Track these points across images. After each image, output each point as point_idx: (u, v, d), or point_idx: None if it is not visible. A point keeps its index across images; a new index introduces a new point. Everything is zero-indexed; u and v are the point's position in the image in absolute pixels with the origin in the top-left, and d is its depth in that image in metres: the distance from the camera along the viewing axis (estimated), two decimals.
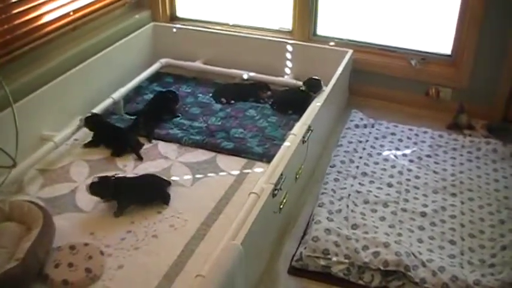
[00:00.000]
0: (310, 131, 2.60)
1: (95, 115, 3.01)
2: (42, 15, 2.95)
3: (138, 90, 3.53)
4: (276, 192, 2.19)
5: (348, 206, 2.58)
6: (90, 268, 2.19)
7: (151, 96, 3.46)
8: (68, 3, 3.13)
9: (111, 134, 3.00)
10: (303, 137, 2.54)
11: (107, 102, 3.18)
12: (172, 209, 2.55)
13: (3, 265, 2.08)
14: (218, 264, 1.81)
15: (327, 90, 2.89)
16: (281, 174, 2.25)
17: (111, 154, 2.93)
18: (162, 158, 2.92)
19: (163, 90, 3.49)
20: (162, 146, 3.02)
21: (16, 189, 2.68)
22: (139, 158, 2.90)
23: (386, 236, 2.38)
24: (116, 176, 2.60)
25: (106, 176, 2.57)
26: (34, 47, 2.94)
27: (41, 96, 2.92)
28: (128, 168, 2.84)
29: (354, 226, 2.46)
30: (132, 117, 3.20)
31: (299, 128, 2.69)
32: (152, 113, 3.24)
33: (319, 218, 2.45)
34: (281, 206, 2.35)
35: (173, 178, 2.76)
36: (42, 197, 2.62)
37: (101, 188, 2.51)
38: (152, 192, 2.60)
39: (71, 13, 3.14)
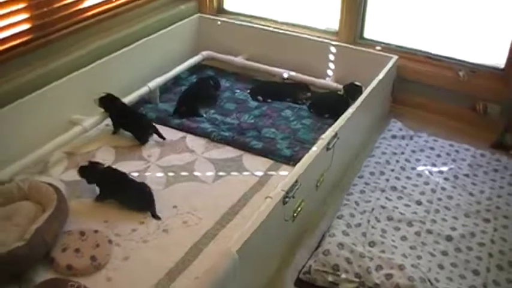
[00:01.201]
0: (336, 138, 2.48)
1: (108, 95, 2.95)
2: (83, 0, 2.97)
3: (176, 80, 3.51)
4: (287, 199, 2.10)
5: (369, 221, 2.45)
6: (96, 256, 2.19)
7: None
8: None
9: (126, 116, 2.98)
10: (327, 144, 2.43)
11: (143, 90, 3.18)
12: (189, 205, 2.51)
13: (12, 243, 2.11)
14: (209, 271, 1.74)
15: (362, 97, 2.76)
16: (296, 181, 2.15)
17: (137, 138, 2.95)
18: (188, 152, 2.88)
19: (205, 76, 3.49)
20: (190, 140, 2.98)
21: (41, 169, 2.71)
22: (162, 138, 2.96)
23: (404, 258, 2.24)
24: (107, 166, 2.60)
25: (97, 163, 2.59)
26: (73, 31, 2.98)
27: (76, 80, 2.95)
28: (152, 158, 2.82)
29: (371, 243, 2.33)
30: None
31: (328, 133, 2.58)
32: (192, 98, 3.25)
33: (334, 231, 2.34)
34: (295, 214, 2.26)
35: (195, 173, 2.72)
36: (65, 180, 2.65)
37: (88, 173, 2.54)
38: (133, 198, 2.51)
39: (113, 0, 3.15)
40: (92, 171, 2.54)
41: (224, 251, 1.81)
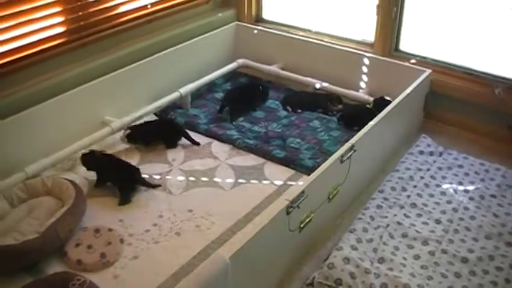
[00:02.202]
0: (352, 151, 2.45)
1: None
2: (118, 6, 3.08)
3: (210, 87, 3.56)
4: (290, 209, 2.09)
5: (381, 236, 2.40)
6: (106, 253, 2.26)
7: (222, 94, 3.49)
8: None
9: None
10: (342, 156, 2.40)
11: (174, 95, 3.25)
12: (204, 210, 2.54)
13: (29, 235, 2.21)
14: (196, 273, 1.76)
15: (385, 110, 2.70)
16: (302, 192, 2.14)
17: (167, 147, 2.99)
18: (211, 158, 2.92)
19: (256, 82, 3.55)
20: (215, 146, 3.01)
21: (69, 166, 2.81)
22: (196, 143, 2.99)
23: (411, 277, 2.18)
24: (103, 153, 2.72)
25: (94, 151, 2.69)
26: (109, 34, 3.08)
27: (110, 82, 3.05)
28: (176, 162, 2.87)
29: (381, 260, 2.27)
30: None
31: (345, 145, 2.54)
32: (239, 100, 3.33)
33: (342, 244, 2.31)
34: (302, 225, 2.24)
35: (215, 179, 2.75)
36: (89, 178, 2.73)
37: (87, 160, 2.67)
38: (123, 181, 2.65)
39: (149, 6, 3.23)
40: (89, 159, 2.66)
41: (214, 255, 1.82)
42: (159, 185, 2.69)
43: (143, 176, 2.69)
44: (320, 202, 2.35)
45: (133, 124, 2.99)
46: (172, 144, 3.00)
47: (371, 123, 2.62)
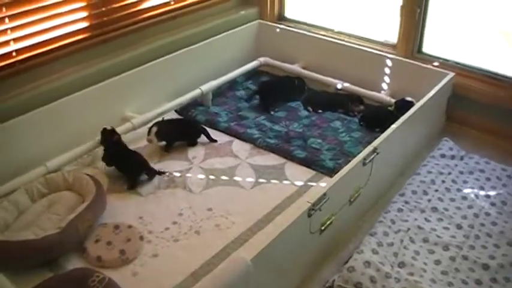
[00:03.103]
0: (375, 153, 2.43)
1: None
2: (141, 2, 3.08)
3: (232, 85, 3.57)
4: (312, 212, 2.08)
5: (402, 240, 2.38)
6: (125, 250, 2.27)
7: (243, 92, 3.49)
8: None
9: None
10: (364, 159, 2.38)
11: (195, 92, 3.25)
12: (224, 209, 2.54)
13: (49, 230, 2.22)
14: (216, 274, 1.76)
15: (408, 113, 2.68)
16: (324, 194, 2.13)
17: (188, 145, 2.99)
18: (231, 156, 2.91)
19: (292, 76, 3.56)
20: (236, 144, 3.01)
21: (90, 161, 2.83)
22: (213, 140, 3.00)
23: (431, 283, 2.16)
24: (119, 139, 2.77)
25: (115, 133, 2.76)
26: (132, 30, 3.09)
27: (132, 78, 3.07)
28: (196, 160, 2.87)
29: (401, 264, 2.26)
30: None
31: (367, 148, 2.52)
32: (275, 92, 3.39)
33: (363, 248, 2.29)
34: (322, 228, 2.23)
35: (235, 178, 2.75)
36: (109, 174, 2.75)
37: (104, 137, 2.75)
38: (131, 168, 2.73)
39: (172, 2, 3.23)
40: (107, 137, 2.74)
41: (235, 257, 1.82)
42: (164, 172, 2.73)
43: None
44: (341, 205, 2.34)
45: (156, 121, 2.97)
46: (193, 142, 3.01)
47: (393, 125, 2.60)
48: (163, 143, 2.95)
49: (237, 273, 1.78)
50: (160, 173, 2.73)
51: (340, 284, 2.15)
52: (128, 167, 2.74)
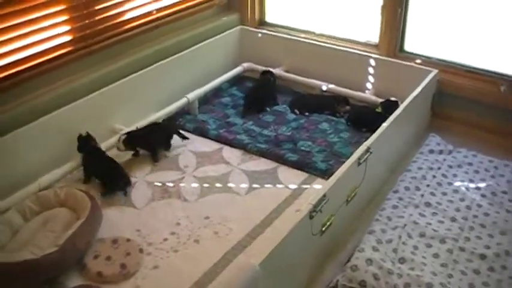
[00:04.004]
0: (368, 153, 2.46)
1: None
2: (124, 13, 3.07)
3: (217, 92, 3.57)
4: (313, 214, 2.10)
5: (400, 237, 2.41)
6: (126, 264, 2.25)
7: (229, 99, 3.51)
8: (152, 2, 3.22)
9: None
10: (359, 159, 2.41)
11: (181, 101, 3.25)
12: (221, 216, 2.54)
13: (46, 249, 2.19)
14: (227, 282, 1.76)
15: (397, 111, 2.72)
16: (323, 196, 2.15)
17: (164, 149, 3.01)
18: (223, 163, 2.92)
19: (266, 71, 3.59)
20: (227, 151, 3.02)
21: (80, 176, 2.78)
22: (185, 138, 3.02)
23: (433, 276, 2.20)
24: (97, 147, 2.77)
25: (91, 139, 2.76)
26: (116, 42, 3.07)
27: (117, 90, 3.04)
28: (189, 169, 2.87)
29: (401, 260, 2.29)
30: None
31: (360, 148, 2.55)
32: (257, 98, 3.43)
33: (363, 246, 2.32)
34: (323, 229, 2.25)
35: (229, 185, 2.75)
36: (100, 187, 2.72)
37: (82, 143, 2.73)
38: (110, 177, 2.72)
39: (154, 12, 3.23)
40: (84, 143, 2.73)
41: (245, 263, 1.82)
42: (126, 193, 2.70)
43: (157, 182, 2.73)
44: (339, 205, 2.36)
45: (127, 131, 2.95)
46: (168, 146, 3.01)
47: (384, 124, 2.63)
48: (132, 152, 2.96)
49: (248, 279, 1.78)
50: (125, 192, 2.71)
51: (345, 284, 2.17)
52: (105, 175, 2.73)
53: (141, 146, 2.94)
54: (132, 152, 2.94)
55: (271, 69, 3.59)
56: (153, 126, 3.02)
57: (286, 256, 2.03)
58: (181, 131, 3.08)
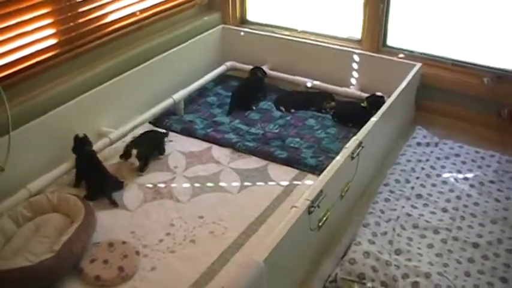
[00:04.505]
0: (360, 147, 2.49)
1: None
2: (108, 14, 3.05)
3: (201, 92, 3.56)
4: (312, 209, 2.11)
5: (394, 229, 2.45)
6: (123, 267, 2.23)
7: (214, 98, 3.50)
8: (135, 3, 3.20)
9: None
10: (352, 153, 2.43)
11: (167, 102, 3.23)
12: (215, 215, 2.54)
13: (42, 255, 2.16)
14: (234, 280, 1.76)
15: (385, 106, 2.76)
16: (320, 191, 2.16)
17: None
18: (213, 162, 2.91)
19: (254, 68, 3.61)
20: (216, 150, 3.01)
21: (70, 180, 2.75)
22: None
23: (430, 266, 2.23)
24: (92, 150, 2.73)
25: (87, 141, 2.70)
26: (100, 44, 3.04)
27: (103, 92, 3.01)
28: (179, 169, 2.86)
29: (397, 251, 2.32)
30: None
31: (352, 143, 2.58)
32: (244, 97, 3.44)
33: (360, 239, 2.34)
34: (320, 224, 2.26)
35: (221, 184, 2.75)
36: None
37: (78, 144, 2.67)
38: (100, 183, 2.69)
39: (138, 13, 3.21)
40: (78, 145, 2.68)
41: (249, 260, 1.82)
42: (117, 205, 2.62)
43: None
44: (334, 200, 2.38)
45: (130, 141, 2.92)
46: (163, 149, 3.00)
47: (373, 119, 2.66)
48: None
49: (253, 276, 1.78)
50: (114, 204, 2.64)
51: (344, 277, 2.19)
52: (97, 185, 2.69)
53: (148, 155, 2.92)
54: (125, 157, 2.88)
55: (262, 67, 3.60)
56: (144, 137, 2.99)
57: (286, 252, 2.03)
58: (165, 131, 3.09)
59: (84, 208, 2.40)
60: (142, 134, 3.00)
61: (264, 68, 3.65)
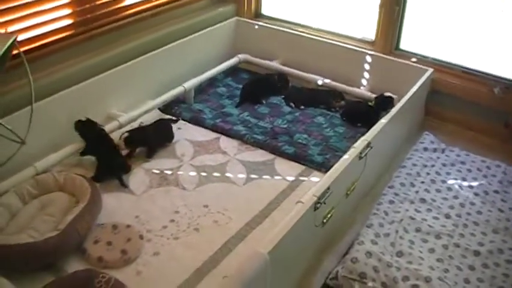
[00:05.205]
0: (369, 148, 2.50)
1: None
2: None
3: (212, 82, 3.57)
4: (318, 205, 2.12)
5: (397, 231, 2.46)
6: (127, 250, 2.25)
7: (224, 89, 3.52)
8: None
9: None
10: (360, 153, 2.45)
11: (178, 90, 3.24)
12: (220, 205, 2.56)
13: (46, 233, 2.18)
14: (239, 270, 1.78)
15: (395, 108, 2.77)
16: (327, 188, 2.18)
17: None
18: (220, 153, 2.93)
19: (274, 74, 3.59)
20: (224, 141, 3.03)
21: (76, 161, 2.77)
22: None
23: (430, 270, 2.25)
24: (102, 127, 2.73)
25: (93, 122, 2.70)
26: (114, 28, 3.06)
27: (115, 76, 3.02)
28: (186, 157, 2.87)
29: (399, 253, 2.34)
30: None
31: (360, 142, 2.59)
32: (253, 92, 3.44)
33: (363, 239, 2.36)
34: (324, 220, 2.28)
35: (227, 175, 2.76)
36: None
37: (85, 128, 2.70)
38: (111, 165, 2.70)
39: None
40: (88, 128, 2.70)
41: (254, 251, 1.84)
42: (127, 186, 2.65)
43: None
44: (339, 198, 2.39)
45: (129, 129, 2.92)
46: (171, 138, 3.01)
47: (383, 121, 2.67)
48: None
49: (258, 268, 1.80)
50: (125, 186, 2.66)
51: (345, 275, 2.21)
52: (106, 166, 2.70)
53: (142, 146, 2.89)
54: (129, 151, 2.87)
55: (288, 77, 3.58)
56: (152, 125, 2.99)
57: (290, 246, 2.05)
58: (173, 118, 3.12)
59: (90, 189, 2.41)
60: (149, 124, 3.00)
61: (275, 63, 3.67)
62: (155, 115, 3.13)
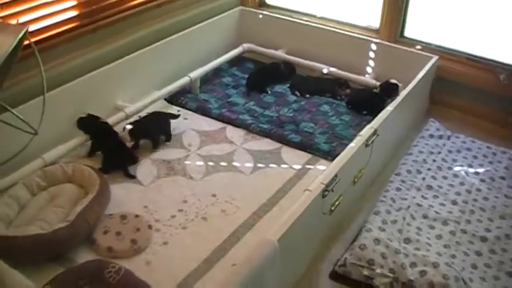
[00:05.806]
0: (375, 135, 2.51)
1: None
2: None
3: (217, 72, 3.57)
4: (326, 193, 2.14)
5: (404, 218, 2.48)
6: (136, 240, 2.25)
7: (229, 79, 3.52)
8: None
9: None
10: (367, 141, 2.46)
11: (184, 80, 3.24)
12: (228, 194, 2.56)
13: (56, 224, 2.19)
14: (249, 257, 1.79)
15: (401, 95, 2.78)
16: (335, 176, 2.19)
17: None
18: (227, 142, 2.93)
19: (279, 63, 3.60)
20: (230, 130, 3.03)
21: (84, 153, 2.78)
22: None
23: (438, 256, 2.27)
24: (104, 121, 2.73)
25: (95, 116, 2.70)
26: (120, 19, 3.04)
27: (120, 67, 3.02)
28: (193, 147, 2.88)
29: (407, 240, 2.36)
30: None
31: (367, 130, 2.59)
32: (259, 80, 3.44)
33: (370, 226, 2.38)
34: (332, 208, 2.30)
35: (234, 164, 2.77)
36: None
37: (87, 124, 2.70)
38: (116, 157, 2.71)
39: None
40: (90, 124, 2.70)
41: (264, 239, 1.85)
42: (134, 177, 2.66)
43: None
44: (347, 185, 2.41)
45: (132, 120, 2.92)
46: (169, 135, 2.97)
47: (389, 108, 2.68)
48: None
49: (268, 255, 1.82)
50: (131, 176, 2.67)
51: (354, 262, 2.23)
52: (112, 157, 2.71)
53: (145, 137, 2.88)
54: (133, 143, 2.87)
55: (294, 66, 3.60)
56: (151, 116, 2.96)
57: (299, 233, 2.07)
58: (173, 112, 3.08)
59: (99, 180, 2.42)
60: (147, 115, 2.98)
61: (281, 52, 3.67)
62: (161, 105, 3.15)
